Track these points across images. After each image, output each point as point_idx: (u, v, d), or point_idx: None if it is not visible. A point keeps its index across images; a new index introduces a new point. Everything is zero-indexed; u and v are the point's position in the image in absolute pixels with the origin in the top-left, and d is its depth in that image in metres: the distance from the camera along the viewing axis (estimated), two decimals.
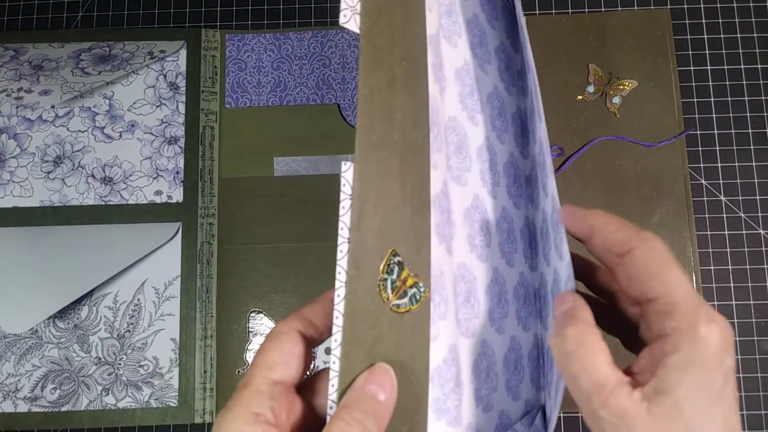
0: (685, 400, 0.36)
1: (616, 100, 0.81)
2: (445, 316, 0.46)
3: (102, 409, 0.76)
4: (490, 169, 0.57)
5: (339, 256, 0.38)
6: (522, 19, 0.55)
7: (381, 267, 0.40)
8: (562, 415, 0.75)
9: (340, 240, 0.38)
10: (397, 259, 0.41)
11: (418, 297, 0.42)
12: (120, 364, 0.77)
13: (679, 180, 0.79)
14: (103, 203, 0.80)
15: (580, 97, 0.82)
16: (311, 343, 0.43)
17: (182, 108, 0.83)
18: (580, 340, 0.40)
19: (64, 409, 0.76)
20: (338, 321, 0.38)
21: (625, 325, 0.46)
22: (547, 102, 0.81)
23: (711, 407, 0.37)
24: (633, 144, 0.80)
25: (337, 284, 0.38)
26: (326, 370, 0.39)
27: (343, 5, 0.40)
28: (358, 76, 0.40)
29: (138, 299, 0.79)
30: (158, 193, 0.81)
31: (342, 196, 0.39)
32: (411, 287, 0.41)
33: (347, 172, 0.39)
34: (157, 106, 0.83)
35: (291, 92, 0.84)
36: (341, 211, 0.39)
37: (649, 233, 0.42)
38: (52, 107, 0.82)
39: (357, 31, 0.41)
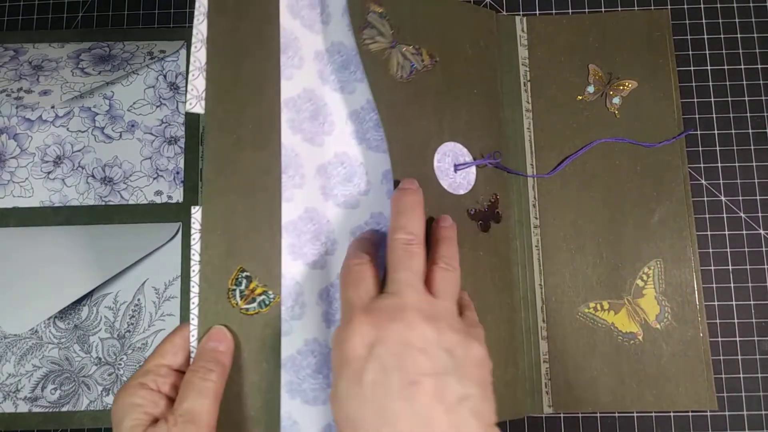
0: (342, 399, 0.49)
1: (616, 100, 0.81)
2: (301, 317, 0.58)
3: (102, 409, 0.76)
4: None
5: (192, 274, 0.55)
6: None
7: (229, 280, 0.56)
8: (562, 415, 0.75)
9: (192, 263, 0.55)
10: (245, 274, 0.56)
11: (267, 302, 0.57)
12: (120, 364, 0.77)
13: (679, 180, 0.78)
14: (103, 203, 0.80)
15: (579, 98, 0.82)
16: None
17: (182, 108, 0.83)
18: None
19: (64, 409, 0.76)
20: (194, 322, 0.55)
21: None
22: (546, 102, 0.81)
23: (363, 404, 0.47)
24: (633, 144, 0.79)
25: (192, 295, 0.55)
26: None
27: (188, 96, 0.56)
28: (204, 142, 0.57)
29: (138, 299, 0.79)
30: (158, 193, 0.81)
31: (192, 230, 0.56)
32: (260, 295, 0.56)
33: (196, 213, 0.57)
34: (157, 107, 0.83)
35: None
36: (192, 241, 0.56)
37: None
38: (52, 107, 0.82)
39: (202, 113, 0.57)
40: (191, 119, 0.83)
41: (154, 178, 0.81)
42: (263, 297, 0.56)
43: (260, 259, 0.57)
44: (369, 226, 0.63)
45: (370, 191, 0.63)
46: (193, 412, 0.49)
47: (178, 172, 0.81)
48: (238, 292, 0.56)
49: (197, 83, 0.56)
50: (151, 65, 0.84)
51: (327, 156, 0.63)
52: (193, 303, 0.55)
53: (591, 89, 0.82)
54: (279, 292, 0.57)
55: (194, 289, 0.55)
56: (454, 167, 0.69)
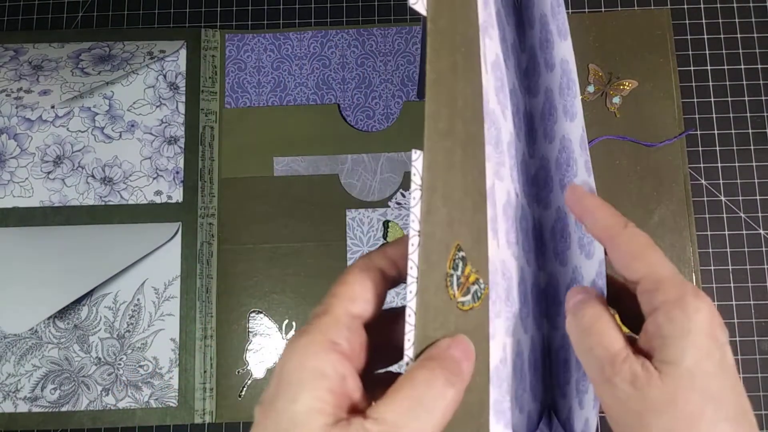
0: (695, 368, 0.37)
1: (616, 100, 0.81)
2: (500, 314, 0.45)
3: (102, 409, 0.76)
4: (515, 166, 0.57)
5: (410, 249, 0.36)
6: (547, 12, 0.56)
7: (447, 262, 0.38)
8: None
9: (411, 233, 0.36)
10: (461, 254, 0.39)
11: (479, 294, 0.41)
12: (120, 364, 0.77)
13: (679, 180, 0.79)
14: (103, 203, 0.80)
15: (579, 97, 0.81)
16: (390, 283, 0.41)
17: (182, 108, 0.83)
18: (595, 318, 0.42)
19: (64, 409, 0.76)
20: (410, 319, 0.35)
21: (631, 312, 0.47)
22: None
23: (720, 376, 0.38)
24: (633, 144, 0.80)
25: (409, 280, 0.36)
26: (398, 314, 0.38)
27: None
28: (426, 61, 0.38)
29: (138, 299, 0.79)
30: (158, 193, 0.81)
31: (413, 186, 0.36)
32: (473, 284, 0.40)
33: (417, 161, 0.36)
34: (157, 106, 0.83)
35: (291, 92, 0.85)
36: (411, 202, 0.36)
37: (632, 224, 0.44)
38: (52, 107, 0.82)
39: (424, 13, 0.38)
40: (191, 119, 0.83)
41: (154, 178, 0.81)
42: (476, 287, 0.40)
43: (473, 234, 0.41)
44: (509, 204, 0.53)
45: (506, 163, 0.53)
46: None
47: (177, 172, 0.81)
48: (455, 279, 0.39)
49: None
50: (151, 65, 0.84)
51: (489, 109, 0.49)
52: (410, 293, 0.35)
53: (591, 89, 0.82)
54: (487, 280, 0.42)
55: (412, 272, 0.35)
56: None
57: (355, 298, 0.38)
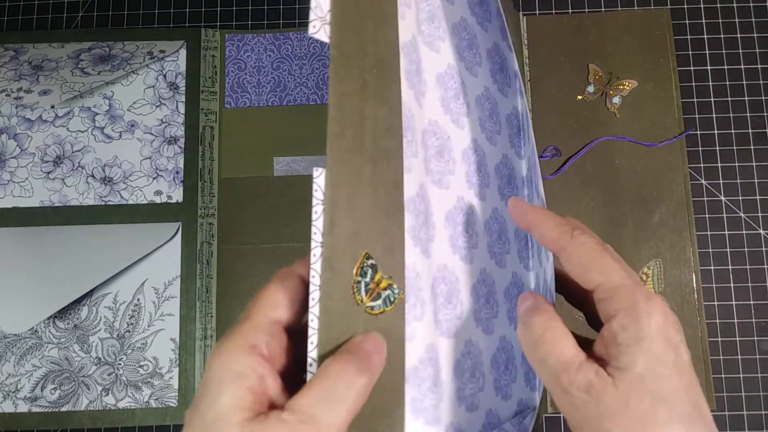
0: (646, 373, 0.39)
1: (616, 100, 0.81)
2: (422, 317, 0.47)
3: (102, 409, 0.76)
4: (477, 171, 0.58)
5: (312, 259, 0.39)
6: (503, 18, 0.56)
7: (354, 270, 0.42)
8: (562, 415, 0.75)
9: (313, 244, 0.39)
10: (370, 261, 0.42)
11: (392, 298, 0.43)
12: (120, 364, 0.77)
13: (679, 180, 0.79)
14: (103, 203, 0.80)
15: (580, 97, 0.82)
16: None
17: (182, 108, 0.83)
18: (545, 326, 0.43)
19: (64, 409, 0.76)
20: (313, 323, 0.39)
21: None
22: (546, 102, 0.82)
23: (673, 378, 0.39)
24: (633, 144, 0.80)
25: (312, 288, 0.39)
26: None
27: (312, 16, 0.40)
28: (329, 85, 0.41)
29: (138, 299, 0.79)
30: (158, 193, 0.81)
31: (314, 201, 0.40)
32: (385, 289, 0.43)
33: (319, 177, 0.40)
34: (157, 106, 0.83)
35: (291, 92, 0.84)
36: (314, 216, 0.40)
37: (578, 230, 0.45)
38: (52, 107, 0.82)
39: (326, 40, 0.41)
40: (191, 119, 0.83)
41: (154, 178, 0.81)
42: (388, 292, 0.43)
43: (385, 243, 0.43)
44: (457, 210, 0.55)
45: (456, 170, 0.56)
46: (320, 422, 0.36)
47: (177, 172, 0.81)
48: (363, 285, 0.42)
49: (322, 0, 0.42)
50: (151, 65, 0.84)
51: (424, 121, 0.52)
52: (313, 299, 0.39)
53: (591, 89, 0.82)
54: (403, 286, 0.44)
55: (314, 281, 0.39)
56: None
57: (276, 305, 0.41)
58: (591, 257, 0.43)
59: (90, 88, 0.80)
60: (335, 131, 0.40)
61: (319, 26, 0.41)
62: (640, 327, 0.40)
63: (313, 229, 0.40)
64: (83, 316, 0.78)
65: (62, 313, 0.78)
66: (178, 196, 0.81)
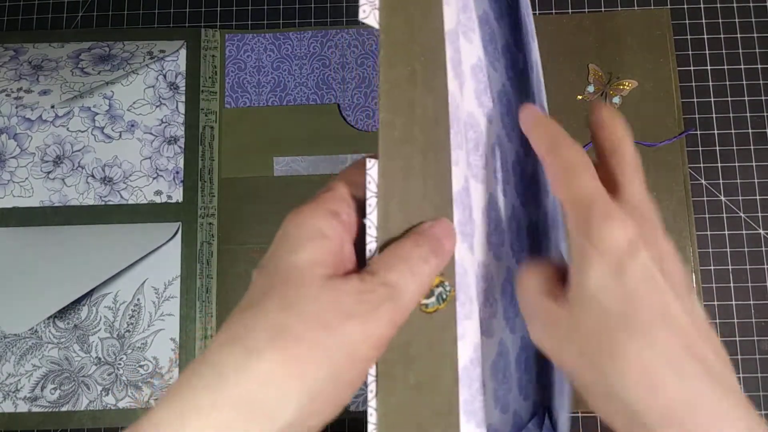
0: (598, 292, 0.37)
1: (616, 100, 0.82)
2: (471, 316, 0.45)
3: (102, 409, 0.76)
4: (502, 168, 0.57)
5: (368, 255, 0.38)
6: (528, 13, 0.55)
7: None
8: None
9: (368, 239, 0.38)
10: None
11: (444, 296, 0.41)
12: (120, 364, 0.77)
13: (679, 180, 0.79)
14: (103, 203, 0.80)
15: (580, 97, 0.82)
16: None
17: (182, 108, 0.83)
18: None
19: (64, 409, 0.76)
20: None
21: None
22: (547, 102, 0.81)
23: (632, 296, 0.37)
24: (634, 144, 0.79)
25: None
26: None
27: (362, 0, 0.39)
28: (379, 72, 0.40)
29: (138, 299, 0.79)
30: (158, 193, 0.81)
31: (368, 194, 0.39)
32: (437, 286, 0.41)
33: (372, 169, 0.39)
34: (157, 106, 0.83)
35: (291, 92, 0.84)
36: (368, 209, 0.39)
37: (567, 144, 0.43)
38: (52, 107, 0.82)
39: (376, 26, 0.40)
40: (191, 119, 0.83)
41: (154, 178, 0.81)
42: (441, 289, 0.41)
43: None
44: (490, 206, 0.54)
45: (488, 165, 0.54)
46: (398, 288, 0.36)
47: (177, 172, 0.81)
48: None
49: None
50: (151, 65, 0.84)
51: (464, 113, 0.51)
52: None
53: (591, 89, 0.82)
54: (454, 283, 0.42)
55: None
56: None
57: (359, 185, 0.40)
58: (565, 170, 0.42)
59: (90, 87, 0.80)
60: (386, 120, 0.40)
61: (369, 11, 0.40)
62: (589, 249, 0.38)
63: (368, 224, 0.39)
64: (83, 316, 0.78)
65: (62, 313, 0.78)
66: (178, 196, 0.81)
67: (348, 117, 0.84)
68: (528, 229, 0.61)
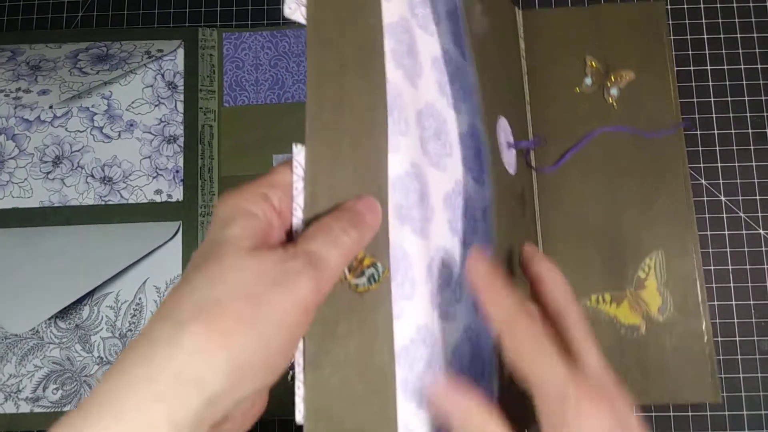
0: None
1: (614, 92, 0.81)
2: (412, 297, 0.46)
3: None
4: (475, 157, 0.58)
5: (295, 237, 0.40)
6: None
7: None
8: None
9: (294, 221, 0.41)
10: None
11: (376, 277, 0.43)
12: None
13: (678, 172, 0.79)
14: (103, 203, 0.80)
15: (578, 90, 0.82)
16: None
17: (180, 107, 0.83)
18: None
19: (66, 409, 0.77)
20: None
21: None
22: (544, 95, 0.82)
23: None
24: (633, 137, 0.80)
25: None
26: None
27: None
28: (307, 64, 0.42)
29: (139, 298, 0.79)
30: (158, 192, 0.81)
31: (295, 178, 0.41)
32: (368, 267, 0.43)
33: (299, 154, 0.41)
34: (156, 106, 0.83)
35: (289, 89, 0.84)
36: (294, 193, 0.41)
37: (524, 316, 0.43)
38: (50, 108, 0.82)
39: (303, 22, 0.42)
40: (190, 118, 0.83)
41: (154, 177, 0.81)
42: (372, 270, 0.43)
43: None
44: (455, 193, 0.55)
45: (453, 153, 0.55)
46: (320, 256, 0.38)
47: (177, 171, 0.81)
48: None
49: None
50: (149, 64, 0.84)
51: (420, 103, 0.52)
52: None
53: (589, 81, 0.82)
54: (388, 264, 0.44)
55: None
56: (507, 144, 0.65)
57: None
58: (528, 349, 0.42)
59: (89, 87, 0.80)
60: (313, 109, 0.41)
61: (295, 7, 0.42)
62: None
63: (294, 206, 0.41)
64: (85, 315, 0.78)
65: (63, 313, 0.78)
66: (178, 195, 0.81)
67: None
68: None
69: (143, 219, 0.80)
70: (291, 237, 0.41)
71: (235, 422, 0.39)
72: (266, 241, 0.39)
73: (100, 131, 0.82)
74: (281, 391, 0.42)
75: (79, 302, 0.78)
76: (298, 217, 0.41)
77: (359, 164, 0.44)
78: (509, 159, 0.65)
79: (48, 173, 0.80)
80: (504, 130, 0.64)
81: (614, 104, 0.81)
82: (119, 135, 0.82)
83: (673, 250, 0.77)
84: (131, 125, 0.82)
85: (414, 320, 0.46)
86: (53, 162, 0.81)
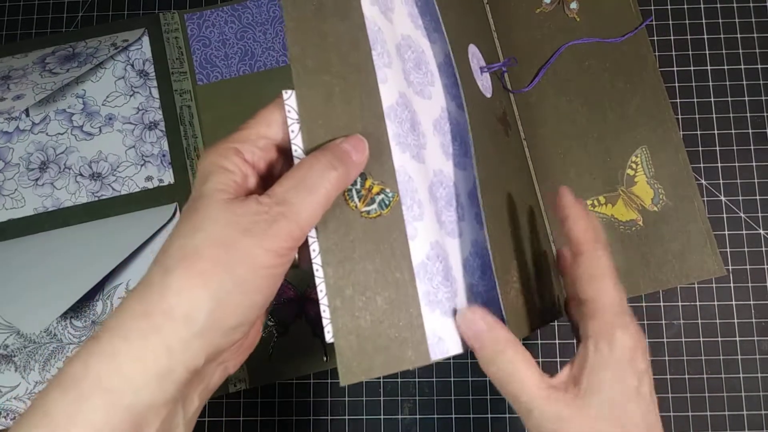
0: (610, 399, 0.43)
1: (574, 5, 0.82)
2: (422, 218, 0.49)
3: None
4: (454, 84, 0.59)
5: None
6: None
7: None
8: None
9: (295, 160, 0.43)
10: None
11: (387, 202, 0.46)
12: None
13: (648, 68, 0.81)
14: (96, 199, 0.80)
15: (538, 10, 0.83)
16: None
17: (155, 93, 0.82)
18: (509, 362, 0.46)
19: None
20: (312, 232, 0.43)
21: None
22: (506, 19, 0.83)
23: (630, 405, 0.44)
24: (599, 44, 0.81)
25: None
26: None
27: None
28: (283, 13, 0.44)
29: None
30: (149, 178, 0.80)
31: (289, 121, 0.44)
32: (378, 194, 0.46)
33: (290, 99, 0.44)
34: (131, 96, 0.82)
35: (260, 58, 0.84)
36: (291, 135, 0.44)
37: (603, 245, 0.48)
38: (28, 115, 0.80)
39: None
40: (166, 102, 0.82)
41: (142, 165, 0.80)
42: (382, 196, 0.46)
43: (371, 152, 0.46)
44: (443, 119, 0.57)
45: (435, 83, 0.57)
46: (292, 205, 0.40)
47: (164, 155, 0.80)
48: (354, 192, 0.45)
49: None
50: (117, 56, 0.82)
51: (397, 36, 0.53)
52: None
53: (547, 0, 0.83)
54: (396, 189, 0.47)
55: None
56: (480, 69, 0.65)
57: (270, 123, 0.45)
58: (598, 272, 0.47)
59: (62, 84, 0.78)
60: (296, 54, 0.44)
61: None
62: (612, 352, 0.44)
63: (294, 148, 0.43)
64: (99, 310, 0.81)
65: (78, 312, 0.80)
66: (169, 178, 0.80)
67: None
68: None
69: (139, 207, 0.80)
70: (269, 184, 0.43)
71: (230, 353, 0.46)
72: (240, 193, 0.42)
73: (80, 130, 0.81)
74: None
75: (90, 298, 0.80)
76: (298, 158, 0.43)
77: (353, 100, 0.46)
78: (485, 83, 0.65)
79: (37, 180, 0.80)
80: (475, 56, 0.64)
81: (576, 17, 0.82)
82: (100, 130, 0.81)
83: (656, 143, 0.79)
84: (110, 119, 0.81)
85: (427, 239, 0.49)
86: (40, 168, 0.80)
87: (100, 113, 0.81)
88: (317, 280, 0.43)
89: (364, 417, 0.75)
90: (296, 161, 0.43)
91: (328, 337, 0.43)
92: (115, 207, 0.80)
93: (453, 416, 0.74)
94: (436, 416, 0.75)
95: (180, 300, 0.38)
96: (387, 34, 0.51)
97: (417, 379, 0.76)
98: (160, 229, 0.79)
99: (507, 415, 0.74)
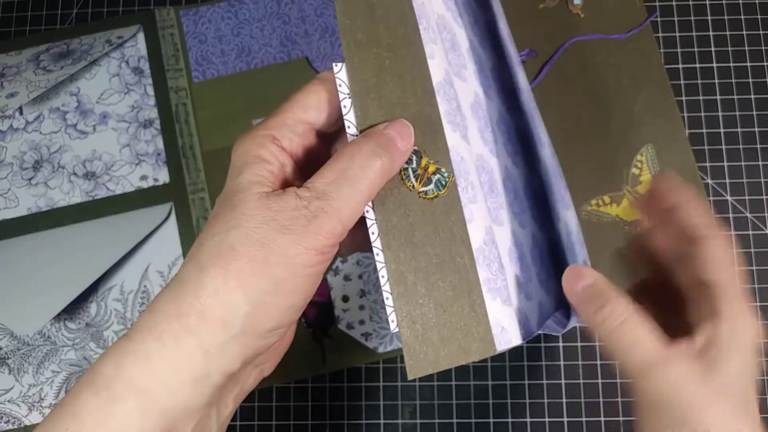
0: (735, 379, 0.41)
1: (578, 1, 0.82)
2: (475, 200, 0.47)
3: None
4: (480, 72, 0.58)
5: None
6: None
7: None
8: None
9: (349, 138, 0.41)
10: (413, 148, 0.43)
11: (443, 182, 0.44)
12: None
13: (654, 64, 0.80)
14: (90, 198, 0.79)
15: (542, 6, 0.83)
16: None
17: (150, 90, 0.81)
18: (622, 317, 0.43)
19: None
20: (369, 214, 0.41)
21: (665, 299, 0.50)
22: (509, 16, 0.80)
23: (751, 391, 0.42)
24: (603, 40, 0.81)
25: None
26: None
27: None
28: None
29: (144, 286, 0.79)
30: (143, 178, 0.79)
31: (341, 96, 0.42)
32: (434, 173, 0.43)
33: (341, 72, 0.42)
34: (126, 93, 0.81)
35: (256, 55, 0.83)
36: (344, 110, 0.42)
37: (717, 228, 0.46)
38: (21, 113, 0.79)
39: None
40: (162, 99, 0.81)
41: (137, 164, 0.79)
42: (438, 176, 0.44)
43: (424, 129, 0.44)
44: (477, 104, 0.55)
45: (468, 66, 0.56)
46: (333, 200, 0.38)
47: (159, 154, 0.80)
48: (411, 172, 0.43)
49: None
50: (112, 54, 0.81)
51: (435, 14, 0.52)
52: None
53: None
54: (452, 169, 0.45)
55: None
56: None
57: (307, 107, 0.42)
58: (728, 257, 0.45)
59: (56, 82, 0.77)
60: (345, 24, 0.43)
61: None
62: (746, 335, 0.42)
63: (347, 124, 0.42)
64: (93, 313, 0.80)
65: (72, 314, 0.79)
66: (164, 177, 0.79)
67: (318, 68, 0.83)
68: (517, 134, 0.62)
69: (133, 207, 0.79)
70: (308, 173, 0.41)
71: (267, 355, 0.44)
72: (278, 184, 0.40)
73: (74, 128, 0.80)
74: None
75: (84, 300, 0.79)
76: (351, 134, 0.41)
77: (405, 75, 0.44)
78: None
79: (30, 179, 0.79)
80: None
81: (579, 13, 0.82)
82: (94, 129, 0.80)
83: (662, 141, 0.78)
84: (104, 117, 0.80)
85: (482, 223, 0.47)
86: (33, 167, 0.79)
87: (94, 111, 0.80)
88: (378, 265, 0.41)
89: (363, 421, 0.74)
90: (349, 138, 0.41)
91: (393, 326, 0.41)
92: (110, 207, 0.79)
93: (455, 421, 0.73)
94: (437, 421, 0.74)
95: (217, 302, 0.36)
96: (429, 10, 0.50)
97: (418, 383, 0.75)
98: (155, 229, 0.78)
99: (509, 420, 0.73)
